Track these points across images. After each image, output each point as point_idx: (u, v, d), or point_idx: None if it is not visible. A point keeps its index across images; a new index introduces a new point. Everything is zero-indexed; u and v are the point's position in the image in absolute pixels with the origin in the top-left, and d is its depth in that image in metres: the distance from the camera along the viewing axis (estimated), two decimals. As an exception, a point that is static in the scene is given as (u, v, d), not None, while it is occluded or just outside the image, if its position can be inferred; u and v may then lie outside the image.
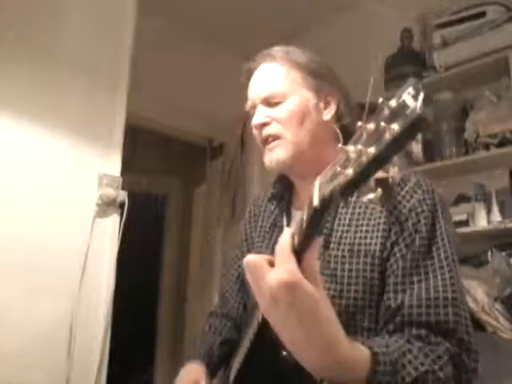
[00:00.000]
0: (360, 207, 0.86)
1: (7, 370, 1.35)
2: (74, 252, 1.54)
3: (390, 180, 0.45)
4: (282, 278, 0.54)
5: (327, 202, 0.50)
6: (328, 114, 0.92)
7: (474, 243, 1.81)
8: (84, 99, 1.64)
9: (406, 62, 2.19)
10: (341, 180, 0.46)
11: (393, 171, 0.45)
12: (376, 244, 0.80)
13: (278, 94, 0.91)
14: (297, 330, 0.55)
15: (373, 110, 0.47)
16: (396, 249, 0.78)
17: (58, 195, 1.54)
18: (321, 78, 0.93)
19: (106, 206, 1.63)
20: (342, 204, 0.87)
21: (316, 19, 2.64)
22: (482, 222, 1.82)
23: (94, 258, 1.58)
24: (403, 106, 0.42)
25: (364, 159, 0.43)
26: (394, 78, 2.19)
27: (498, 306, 1.53)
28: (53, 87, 1.57)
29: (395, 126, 0.41)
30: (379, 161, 0.43)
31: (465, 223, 1.85)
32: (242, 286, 1.06)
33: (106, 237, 1.63)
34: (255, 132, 0.94)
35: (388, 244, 0.79)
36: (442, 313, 0.71)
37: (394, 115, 0.42)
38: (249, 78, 0.97)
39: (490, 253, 1.75)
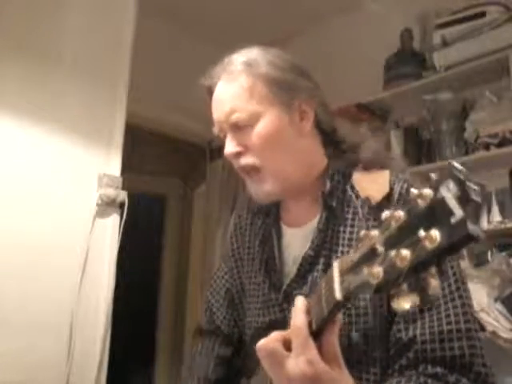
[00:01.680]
0: (361, 226, 0.80)
1: (7, 370, 1.35)
2: (73, 252, 1.54)
3: (430, 293, 0.41)
4: (303, 370, 0.51)
5: (351, 298, 0.48)
6: (306, 125, 0.84)
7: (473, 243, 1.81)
8: (84, 99, 1.63)
9: (406, 62, 2.19)
10: (368, 280, 0.43)
11: (434, 283, 0.40)
12: None
13: (246, 118, 0.81)
14: None
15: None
16: None
17: (58, 195, 1.54)
18: (291, 87, 0.83)
19: (106, 206, 1.63)
20: (339, 221, 0.82)
21: (316, 19, 2.64)
22: (481, 222, 1.81)
23: (94, 258, 1.57)
24: (443, 207, 0.37)
25: (398, 264, 0.40)
26: (393, 78, 2.19)
27: (498, 306, 1.53)
28: (53, 87, 1.57)
29: (437, 237, 0.37)
30: (415, 269, 0.40)
31: (465, 223, 1.84)
32: (232, 303, 1.01)
33: (106, 237, 1.63)
34: (231, 161, 0.86)
35: None
36: (457, 346, 0.68)
37: (433, 216, 0.38)
38: (211, 95, 0.88)
39: (489, 253, 1.75)
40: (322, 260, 0.81)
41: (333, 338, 0.54)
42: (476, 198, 0.37)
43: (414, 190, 0.40)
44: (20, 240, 1.44)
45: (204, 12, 2.65)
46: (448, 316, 0.70)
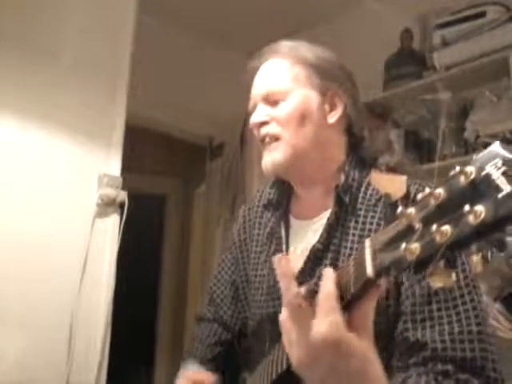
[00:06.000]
0: (371, 223, 0.80)
1: (7, 370, 1.35)
2: (73, 252, 1.54)
3: (477, 271, 0.39)
4: (325, 332, 0.47)
5: (383, 275, 0.45)
6: (333, 117, 0.86)
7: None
8: (84, 99, 1.63)
9: (406, 62, 2.19)
10: (404, 255, 0.41)
11: (476, 259, 0.38)
12: None
13: (278, 91, 0.85)
14: None
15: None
16: None
17: (58, 195, 1.54)
18: (328, 77, 0.87)
19: (106, 206, 1.62)
20: (350, 217, 0.81)
21: (315, 19, 2.64)
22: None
23: (94, 258, 1.57)
24: (489, 182, 0.36)
25: (438, 239, 0.38)
26: (393, 78, 2.19)
27: (497, 306, 1.53)
28: (53, 87, 1.57)
29: (482, 211, 0.35)
30: (457, 246, 0.38)
31: (465, 223, 1.84)
32: (236, 294, 1.01)
33: (106, 237, 1.62)
34: (254, 132, 0.89)
35: None
36: (468, 348, 0.67)
37: (477, 192, 0.37)
38: (254, 77, 0.91)
39: (489, 253, 1.74)
40: (329, 255, 0.81)
41: (366, 309, 0.49)
42: None
43: (457, 168, 0.40)
44: (20, 240, 1.44)
45: (204, 12, 2.65)
46: (459, 319, 0.69)
